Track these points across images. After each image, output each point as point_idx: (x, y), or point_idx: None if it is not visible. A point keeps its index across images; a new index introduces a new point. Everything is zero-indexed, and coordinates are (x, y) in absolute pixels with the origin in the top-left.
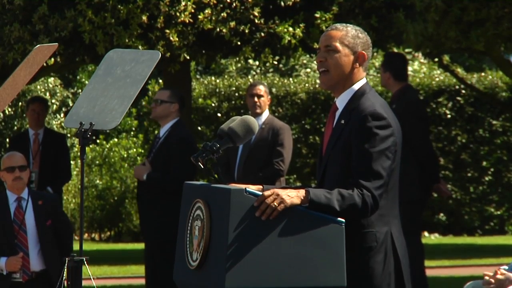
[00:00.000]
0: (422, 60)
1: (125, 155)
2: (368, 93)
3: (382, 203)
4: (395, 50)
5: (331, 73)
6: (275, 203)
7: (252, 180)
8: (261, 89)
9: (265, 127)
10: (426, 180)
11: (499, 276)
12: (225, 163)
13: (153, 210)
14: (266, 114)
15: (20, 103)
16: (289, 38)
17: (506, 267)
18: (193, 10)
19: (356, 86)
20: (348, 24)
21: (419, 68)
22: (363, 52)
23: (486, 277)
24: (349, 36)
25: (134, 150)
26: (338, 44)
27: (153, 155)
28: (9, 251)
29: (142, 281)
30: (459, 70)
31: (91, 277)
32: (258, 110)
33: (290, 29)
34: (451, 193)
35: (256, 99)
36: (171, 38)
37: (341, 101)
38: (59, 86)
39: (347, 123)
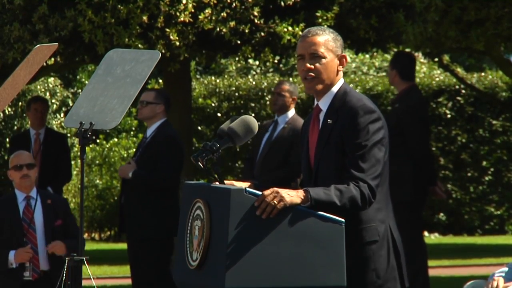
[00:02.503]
0: (422, 60)
1: (125, 155)
2: (349, 91)
3: (378, 197)
4: (395, 50)
5: (320, 78)
6: (275, 201)
7: (267, 178)
8: (284, 88)
9: (287, 127)
10: (422, 181)
11: None
12: (248, 158)
13: (136, 209)
14: (291, 114)
15: (20, 103)
16: (289, 37)
17: (506, 269)
18: (193, 10)
19: (336, 88)
20: (322, 27)
21: (419, 68)
22: (344, 54)
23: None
24: (330, 40)
25: (134, 149)
26: (323, 50)
27: (139, 155)
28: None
29: None
30: (459, 69)
31: (91, 277)
32: (275, 108)
33: (290, 28)
34: (445, 196)
35: (276, 97)
36: (171, 38)
37: (324, 103)
38: (59, 86)
39: (335, 122)
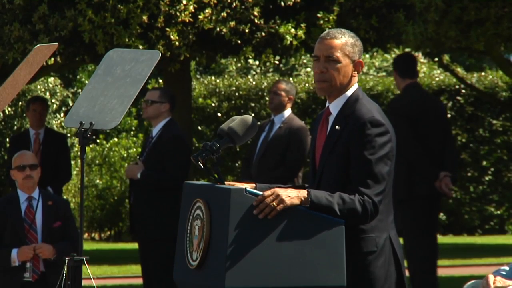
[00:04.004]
0: (422, 60)
1: (125, 155)
2: (361, 98)
3: (380, 208)
4: (396, 50)
5: (332, 83)
6: (274, 203)
7: (265, 178)
8: (280, 87)
9: (283, 126)
10: (417, 180)
11: (498, 284)
12: (245, 158)
13: (145, 209)
14: (287, 113)
15: (20, 103)
16: (290, 39)
17: (507, 268)
18: (193, 10)
19: (349, 92)
20: (343, 30)
21: (419, 67)
22: (361, 60)
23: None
24: (348, 45)
25: (134, 149)
26: (339, 55)
27: (146, 155)
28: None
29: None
30: (459, 69)
31: (91, 277)
32: (271, 106)
33: (293, 30)
34: (450, 194)
35: (272, 95)
36: (171, 38)
37: (334, 107)
38: (59, 86)
39: (343, 129)
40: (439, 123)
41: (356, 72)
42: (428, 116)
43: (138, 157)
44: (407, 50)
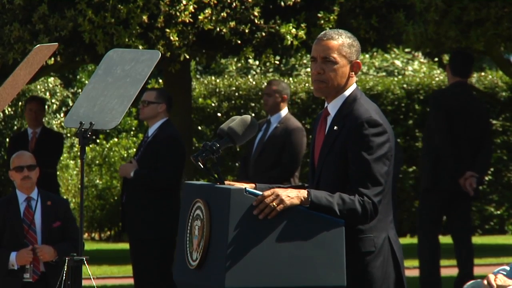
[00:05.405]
0: (422, 60)
1: (125, 155)
2: (359, 98)
3: (380, 208)
4: (395, 50)
5: (329, 84)
6: (274, 203)
7: (262, 178)
8: (271, 88)
9: (280, 126)
10: (440, 172)
11: (498, 282)
12: (243, 158)
13: (137, 209)
14: (284, 113)
15: (20, 103)
16: (291, 39)
17: (508, 268)
18: (193, 10)
19: (347, 92)
20: (341, 31)
21: (419, 67)
22: (358, 61)
23: (485, 282)
24: (345, 46)
25: (134, 149)
26: (336, 55)
27: (141, 154)
28: (18, 250)
29: None
30: None
31: (91, 277)
32: (266, 108)
33: (293, 30)
34: (472, 192)
35: (265, 98)
36: (171, 38)
37: (333, 107)
38: (59, 86)
39: (341, 130)
40: (477, 125)
41: (353, 72)
42: (466, 116)
43: (133, 157)
44: (407, 50)
